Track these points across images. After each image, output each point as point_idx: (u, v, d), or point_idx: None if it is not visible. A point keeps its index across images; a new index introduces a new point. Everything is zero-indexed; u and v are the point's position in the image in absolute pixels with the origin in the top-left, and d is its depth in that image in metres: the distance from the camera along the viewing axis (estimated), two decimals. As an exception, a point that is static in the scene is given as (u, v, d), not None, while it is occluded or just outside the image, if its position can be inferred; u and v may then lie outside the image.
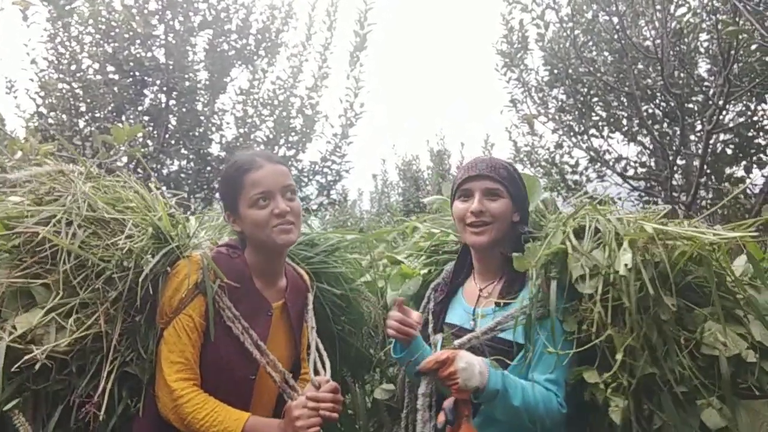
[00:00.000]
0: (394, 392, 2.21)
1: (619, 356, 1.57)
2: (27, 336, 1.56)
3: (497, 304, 1.84)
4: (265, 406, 1.84)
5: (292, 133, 6.25)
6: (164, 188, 5.37)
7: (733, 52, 3.88)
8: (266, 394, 1.83)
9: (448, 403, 1.66)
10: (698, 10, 4.85)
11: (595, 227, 1.78)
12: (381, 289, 2.39)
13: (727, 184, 5.12)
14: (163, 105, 5.76)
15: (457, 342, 1.76)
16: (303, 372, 1.97)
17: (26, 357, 1.51)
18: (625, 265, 1.59)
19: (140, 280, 1.65)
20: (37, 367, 1.53)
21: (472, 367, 1.61)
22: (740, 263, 1.76)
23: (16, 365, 1.51)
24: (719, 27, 3.93)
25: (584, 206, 1.89)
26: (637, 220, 1.77)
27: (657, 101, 5.44)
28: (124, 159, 5.25)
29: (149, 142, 5.66)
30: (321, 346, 1.96)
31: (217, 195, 1.94)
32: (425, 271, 2.24)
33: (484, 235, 1.85)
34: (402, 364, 1.96)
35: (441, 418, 1.66)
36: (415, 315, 1.87)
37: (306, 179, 6.52)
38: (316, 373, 1.83)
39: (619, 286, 1.61)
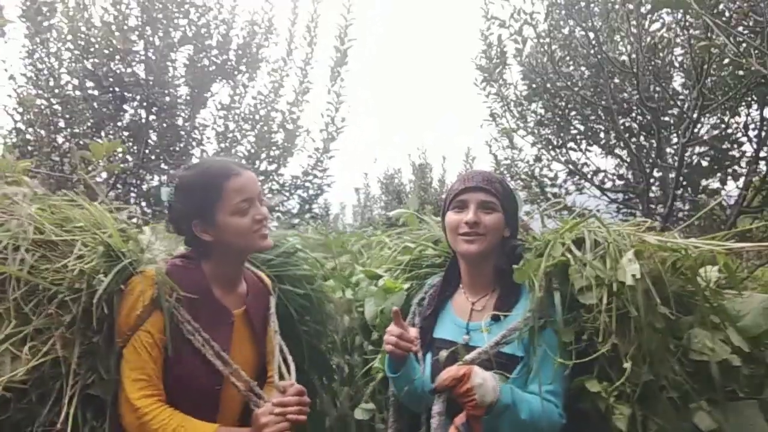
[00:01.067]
0: (374, 411, 2.18)
1: (627, 365, 1.59)
2: None
3: (495, 319, 1.82)
4: (232, 415, 1.82)
5: (274, 148, 6.26)
6: (119, 204, 5.34)
7: (706, 66, 3.96)
8: (232, 403, 1.80)
9: (459, 420, 1.62)
10: (672, 26, 4.94)
11: (594, 239, 1.80)
12: (356, 302, 2.38)
13: (703, 195, 5.20)
14: (143, 120, 5.74)
15: (468, 357, 1.72)
16: (269, 376, 1.94)
17: None
18: (633, 275, 1.61)
19: (94, 301, 1.61)
20: None
21: (487, 382, 1.61)
22: (712, 273, 1.79)
23: None
24: (692, 42, 4.02)
25: (584, 220, 1.91)
26: (635, 233, 1.81)
27: (633, 115, 5.52)
28: (104, 175, 5.22)
29: (129, 158, 5.63)
30: (285, 349, 1.92)
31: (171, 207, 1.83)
32: (407, 285, 2.24)
33: (476, 245, 1.84)
34: (399, 384, 1.93)
35: None
36: (413, 331, 1.87)
37: (288, 193, 6.51)
38: (281, 377, 1.80)
39: (624, 295, 1.63)
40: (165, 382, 1.69)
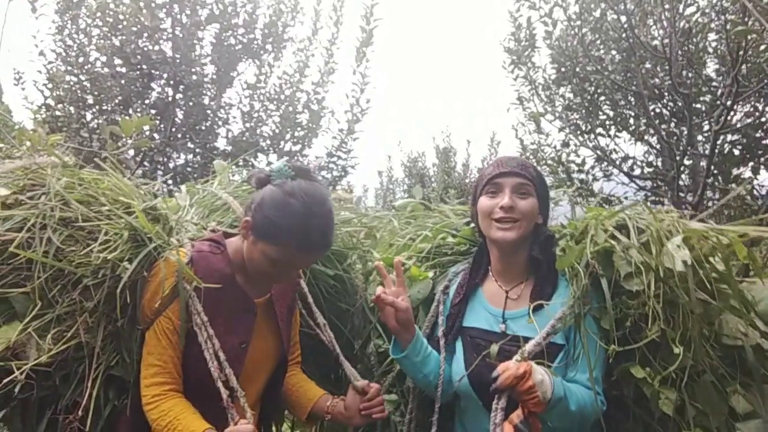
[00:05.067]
0: (399, 402, 2.13)
1: (678, 350, 1.60)
2: (7, 352, 1.52)
3: (537, 308, 1.79)
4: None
5: (298, 128, 6.25)
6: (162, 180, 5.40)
7: (741, 52, 3.85)
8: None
9: (518, 417, 1.60)
10: (707, 10, 4.82)
11: (636, 225, 1.79)
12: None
13: (734, 184, 5.10)
14: (170, 98, 5.76)
15: (526, 349, 1.68)
16: (293, 358, 2.01)
17: (8, 379, 1.48)
18: (684, 261, 1.61)
19: (118, 290, 1.61)
20: (19, 386, 1.51)
21: (546, 378, 1.59)
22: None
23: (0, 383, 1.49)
24: (728, 27, 3.92)
25: (628, 206, 1.90)
26: (678, 219, 1.80)
27: (664, 101, 5.41)
28: (131, 152, 5.27)
29: (156, 136, 5.67)
30: (336, 346, 1.98)
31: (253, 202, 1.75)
32: (431, 274, 2.20)
33: (512, 231, 1.80)
34: (406, 366, 1.92)
35: None
36: (404, 302, 1.85)
37: (315, 173, 6.50)
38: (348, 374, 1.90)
39: (672, 281, 1.64)
40: (185, 370, 1.71)
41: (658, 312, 1.62)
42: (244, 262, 1.77)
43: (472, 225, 2.16)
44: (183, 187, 2.03)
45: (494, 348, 1.76)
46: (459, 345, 1.91)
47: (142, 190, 1.98)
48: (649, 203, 5.73)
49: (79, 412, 1.58)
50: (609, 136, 5.92)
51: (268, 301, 1.86)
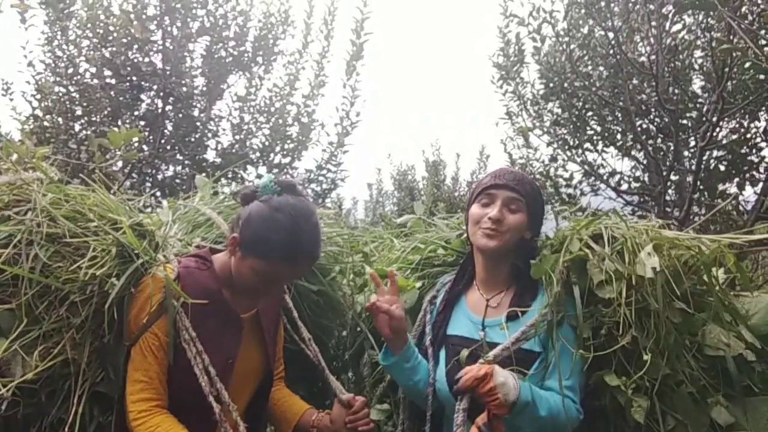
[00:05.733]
0: (390, 412, 2.15)
1: (647, 357, 1.61)
2: None
3: (512, 316, 1.82)
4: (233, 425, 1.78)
5: (288, 141, 6.24)
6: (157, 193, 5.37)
7: (726, 69, 3.90)
8: (230, 417, 1.77)
9: (482, 419, 1.63)
10: (693, 27, 4.89)
11: (611, 234, 1.82)
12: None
13: (720, 200, 5.14)
14: (160, 110, 5.75)
15: (490, 355, 1.73)
16: (277, 373, 2.01)
17: None
18: (653, 268, 1.63)
19: (106, 306, 1.60)
20: (4, 404, 1.49)
21: (508, 380, 1.61)
22: (719, 274, 1.83)
23: None
24: (713, 45, 3.97)
25: (601, 215, 1.95)
26: (652, 228, 1.83)
27: (651, 117, 5.47)
28: (120, 164, 5.24)
29: (145, 147, 5.65)
30: (321, 357, 1.98)
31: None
32: (419, 284, 2.23)
33: (495, 240, 1.85)
34: (396, 374, 1.94)
35: None
36: (398, 310, 1.87)
37: (301, 187, 6.49)
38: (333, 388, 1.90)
39: (643, 289, 1.66)
40: (170, 386, 1.69)
41: (630, 319, 1.64)
42: (230, 278, 1.77)
43: (464, 236, 2.19)
44: (164, 203, 2.01)
45: (464, 353, 1.79)
46: (442, 353, 1.93)
47: (128, 205, 1.96)
48: (635, 218, 5.78)
49: (66, 430, 1.56)
50: (596, 151, 5.96)
51: (254, 316, 1.86)
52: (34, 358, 1.54)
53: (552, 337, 1.73)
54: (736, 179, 5.07)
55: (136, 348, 1.67)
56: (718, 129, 4.69)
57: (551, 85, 5.86)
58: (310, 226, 1.69)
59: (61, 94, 5.40)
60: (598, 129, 5.87)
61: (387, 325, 1.87)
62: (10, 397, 1.48)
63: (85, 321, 1.63)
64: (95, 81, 5.47)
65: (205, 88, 6.00)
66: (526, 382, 1.67)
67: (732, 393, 1.69)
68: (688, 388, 1.66)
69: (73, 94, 5.41)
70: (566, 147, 6.02)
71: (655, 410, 1.67)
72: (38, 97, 5.43)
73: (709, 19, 4.33)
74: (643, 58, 5.12)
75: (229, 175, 5.62)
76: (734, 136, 4.97)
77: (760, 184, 4.80)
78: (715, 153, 5.14)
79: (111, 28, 5.50)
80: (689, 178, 5.14)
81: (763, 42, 3.36)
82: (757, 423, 1.64)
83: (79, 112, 5.46)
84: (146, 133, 5.70)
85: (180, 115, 5.84)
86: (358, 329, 2.33)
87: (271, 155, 6.18)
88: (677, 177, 5.44)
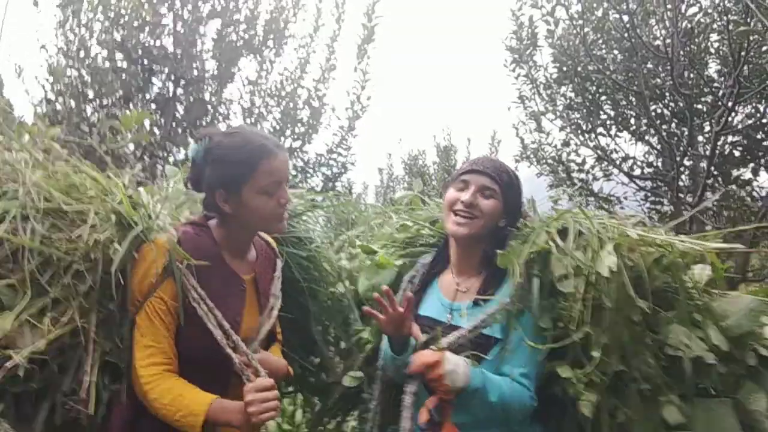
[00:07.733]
0: (362, 380, 2.18)
1: (596, 353, 1.65)
2: (2, 342, 1.49)
3: (477, 302, 1.84)
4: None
5: (299, 125, 6.24)
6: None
7: (743, 53, 3.85)
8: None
9: (432, 402, 1.67)
10: (709, 10, 4.82)
11: (578, 230, 1.83)
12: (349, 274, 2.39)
13: (734, 186, 5.10)
14: (171, 94, 5.75)
15: (445, 341, 1.73)
16: (276, 334, 2.02)
17: (8, 365, 1.46)
18: (609, 267, 1.66)
19: (112, 270, 1.59)
20: (20, 372, 1.48)
21: (458, 368, 1.65)
22: (698, 272, 1.84)
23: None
24: (730, 27, 3.91)
25: (568, 210, 1.95)
26: (619, 225, 1.83)
27: (666, 101, 5.41)
28: (131, 146, 5.26)
29: (156, 130, 5.67)
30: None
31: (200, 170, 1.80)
32: (400, 262, 2.24)
33: (465, 227, 1.86)
34: (399, 366, 1.91)
35: (425, 417, 1.66)
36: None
37: (311, 171, 6.52)
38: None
39: (600, 286, 1.67)
40: (179, 350, 1.70)
41: (583, 315, 1.66)
42: (228, 241, 1.80)
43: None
44: (141, 189, 2.01)
45: (422, 337, 1.80)
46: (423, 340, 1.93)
47: (123, 180, 1.95)
48: (648, 204, 5.75)
49: (84, 395, 1.57)
50: (609, 135, 5.92)
51: (254, 279, 1.87)
52: (45, 324, 1.55)
53: (509, 325, 1.76)
54: (751, 165, 5.03)
55: (141, 314, 1.67)
56: (733, 114, 4.64)
57: (564, 68, 5.81)
58: (254, 128, 1.69)
59: (73, 77, 5.41)
60: (612, 113, 5.83)
61: (386, 323, 1.83)
62: (23, 365, 1.48)
63: (92, 288, 1.64)
64: (107, 64, 5.48)
65: (216, 72, 5.98)
66: (479, 367, 1.70)
67: (688, 393, 1.70)
68: (639, 385, 1.67)
69: (85, 77, 5.42)
70: (579, 131, 5.98)
71: (608, 403, 1.69)
72: (50, 80, 5.44)
73: (726, 2, 4.26)
74: (658, 42, 5.06)
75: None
76: (750, 121, 4.92)
77: (775, 170, 4.75)
78: (730, 138, 5.10)
79: (122, 11, 5.49)
80: (703, 164, 5.11)
81: (781, 25, 3.30)
82: (709, 424, 1.65)
83: (90, 95, 5.46)
84: (157, 116, 5.71)
85: (191, 99, 5.84)
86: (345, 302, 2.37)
87: (282, 139, 6.18)
88: (691, 162, 5.39)
